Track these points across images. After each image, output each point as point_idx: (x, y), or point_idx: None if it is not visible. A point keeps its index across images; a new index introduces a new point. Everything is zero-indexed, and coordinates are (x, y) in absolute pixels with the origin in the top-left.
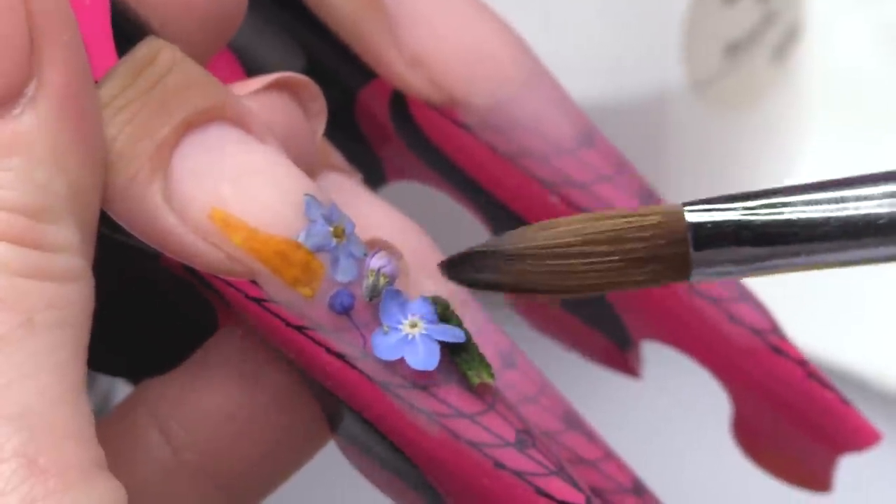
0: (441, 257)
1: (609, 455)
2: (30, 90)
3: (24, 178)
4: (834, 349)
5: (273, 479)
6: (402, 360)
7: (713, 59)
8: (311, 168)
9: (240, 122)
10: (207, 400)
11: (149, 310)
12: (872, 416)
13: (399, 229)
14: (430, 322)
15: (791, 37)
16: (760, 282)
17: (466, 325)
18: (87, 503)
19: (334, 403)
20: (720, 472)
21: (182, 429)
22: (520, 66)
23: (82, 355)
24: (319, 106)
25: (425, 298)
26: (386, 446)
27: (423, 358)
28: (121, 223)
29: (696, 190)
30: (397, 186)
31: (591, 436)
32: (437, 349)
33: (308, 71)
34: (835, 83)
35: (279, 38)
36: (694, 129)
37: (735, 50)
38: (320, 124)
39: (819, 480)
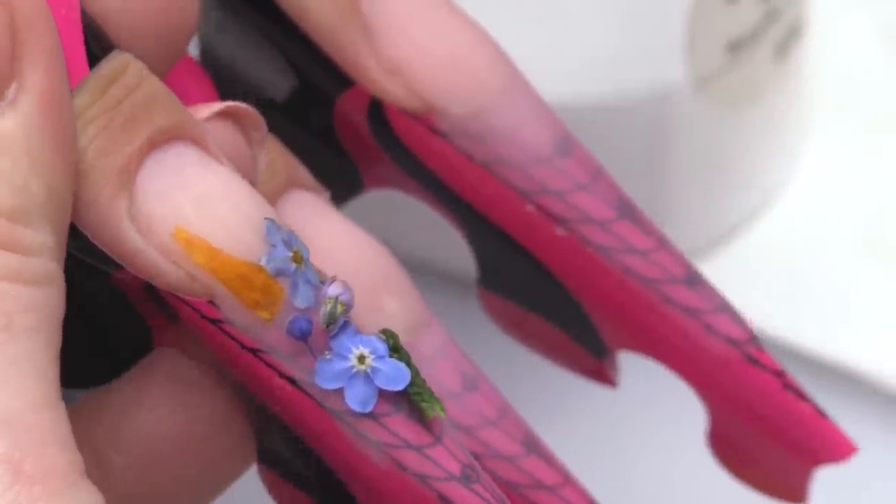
0: (405, 278)
1: (568, 480)
2: (10, 93)
3: (2, 180)
4: (831, 344)
5: (208, 496)
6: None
7: (715, 56)
8: None
9: (198, 142)
10: (141, 424)
11: (81, 321)
12: (869, 413)
13: (363, 249)
14: (380, 358)
15: (793, 35)
16: (759, 278)
17: (427, 347)
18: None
19: (265, 427)
20: (696, 482)
21: (115, 452)
22: (497, 74)
23: (57, 360)
24: (261, 135)
25: (378, 336)
26: (320, 473)
27: (361, 398)
28: (87, 234)
29: (697, 187)
30: (378, 195)
31: (550, 460)
32: (375, 394)
33: (287, 78)
34: (837, 81)
35: (256, 44)
36: (696, 126)
37: (737, 47)
38: (261, 153)
39: (795, 492)
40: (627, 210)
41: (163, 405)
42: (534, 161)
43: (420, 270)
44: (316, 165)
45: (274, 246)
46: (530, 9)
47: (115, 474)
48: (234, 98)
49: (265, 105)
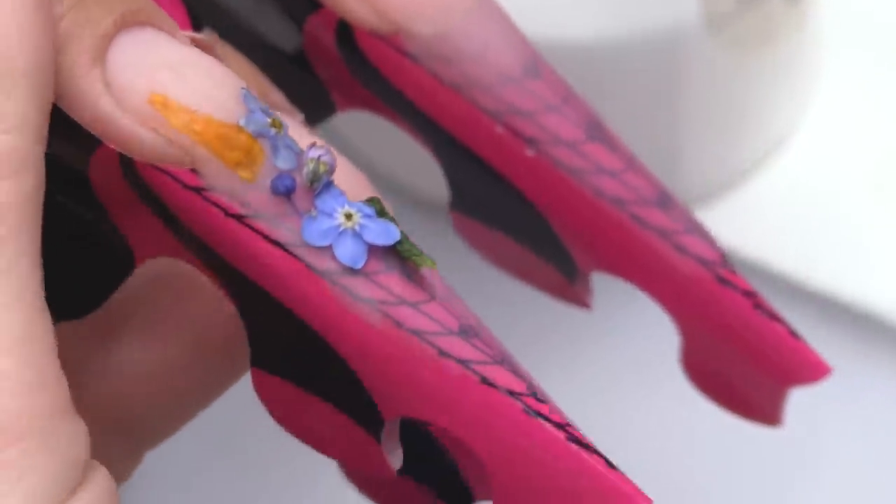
0: (374, 194)
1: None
2: None
3: None
4: (842, 283)
5: (180, 422)
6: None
7: None
8: None
9: (167, 30)
10: (113, 354)
11: (60, 249)
12: (881, 351)
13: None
14: (367, 216)
15: None
16: (771, 220)
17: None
18: (49, 468)
19: (260, 328)
20: (670, 404)
21: (86, 379)
22: None
23: (39, 265)
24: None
25: (362, 202)
26: (316, 352)
27: (351, 254)
28: (60, 105)
29: (710, 130)
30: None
31: (516, 372)
32: (365, 249)
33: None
34: (849, 24)
35: None
36: (708, 68)
37: None
38: None
39: (770, 414)
40: (598, 132)
41: (133, 337)
42: (503, 82)
43: (395, 192)
44: (287, 88)
45: (252, 111)
46: None
47: (85, 397)
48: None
49: (232, 30)
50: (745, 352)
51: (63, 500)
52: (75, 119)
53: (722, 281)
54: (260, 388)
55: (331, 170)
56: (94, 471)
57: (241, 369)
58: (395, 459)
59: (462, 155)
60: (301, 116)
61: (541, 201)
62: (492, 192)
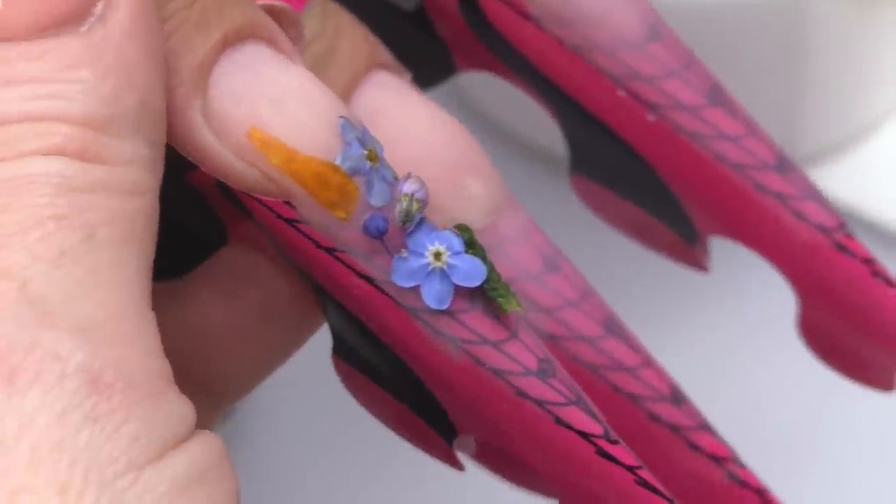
0: (486, 158)
1: (648, 362)
2: (98, 9)
3: (90, 91)
4: None
5: (252, 383)
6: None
7: None
8: None
9: (272, 41)
10: (189, 315)
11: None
12: None
13: (444, 129)
14: (455, 254)
15: None
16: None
17: (509, 227)
18: (154, 419)
19: (340, 321)
20: (786, 368)
21: (167, 335)
22: None
23: (147, 271)
24: (297, 32)
25: (453, 231)
26: (395, 368)
27: (438, 295)
28: None
29: (831, 87)
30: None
31: (630, 342)
32: (451, 290)
33: None
34: None
35: None
36: (831, 25)
37: None
38: (298, 50)
39: (884, 379)
40: (718, 96)
41: (211, 298)
42: (624, 46)
43: (516, 144)
44: (408, 48)
45: (349, 144)
46: None
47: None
48: None
49: None
50: (861, 317)
51: (165, 451)
52: (174, 146)
53: (840, 248)
54: (339, 371)
55: (423, 206)
56: (202, 433)
57: (306, 335)
58: (466, 455)
59: (583, 118)
60: (408, 75)
61: (661, 166)
62: (612, 155)
